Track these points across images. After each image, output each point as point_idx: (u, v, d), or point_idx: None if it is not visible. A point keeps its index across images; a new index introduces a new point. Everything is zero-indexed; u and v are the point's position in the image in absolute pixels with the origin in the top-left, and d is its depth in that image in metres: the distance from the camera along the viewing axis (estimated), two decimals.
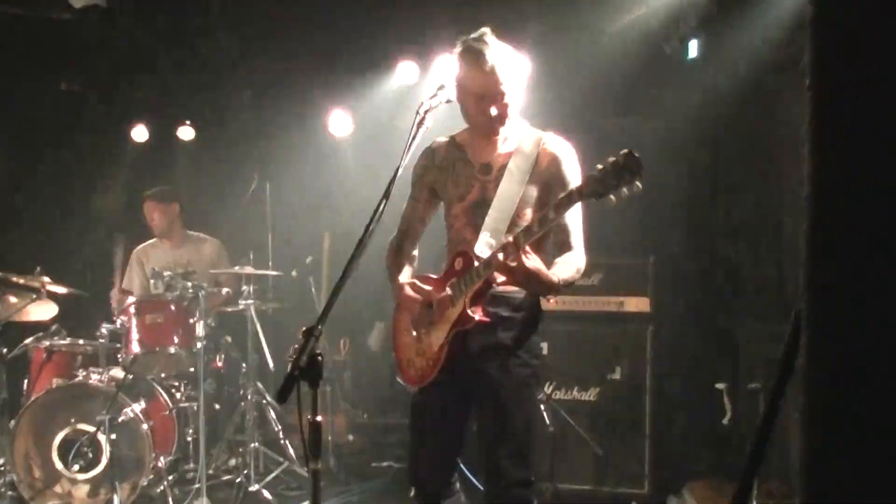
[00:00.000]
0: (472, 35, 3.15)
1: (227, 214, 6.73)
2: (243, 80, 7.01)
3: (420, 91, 6.45)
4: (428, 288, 3.23)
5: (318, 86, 6.73)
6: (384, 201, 2.66)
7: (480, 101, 3.14)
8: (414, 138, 2.89)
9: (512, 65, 3.16)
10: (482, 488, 4.59)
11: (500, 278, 3.09)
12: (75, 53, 6.73)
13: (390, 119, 6.64)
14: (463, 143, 3.33)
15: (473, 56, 3.10)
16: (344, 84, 6.67)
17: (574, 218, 3.14)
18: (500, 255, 2.93)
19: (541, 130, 3.28)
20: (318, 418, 2.28)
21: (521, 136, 3.25)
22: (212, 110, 7.15)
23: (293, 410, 6.17)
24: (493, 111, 3.15)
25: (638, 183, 2.69)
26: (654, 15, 5.36)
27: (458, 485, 3.46)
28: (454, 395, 3.25)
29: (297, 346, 2.19)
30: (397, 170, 2.77)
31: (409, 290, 3.25)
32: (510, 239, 2.94)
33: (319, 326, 2.31)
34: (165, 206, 6.15)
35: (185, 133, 7.16)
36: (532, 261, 2.91)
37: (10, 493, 5.04)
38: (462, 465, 3.66)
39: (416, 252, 3.48)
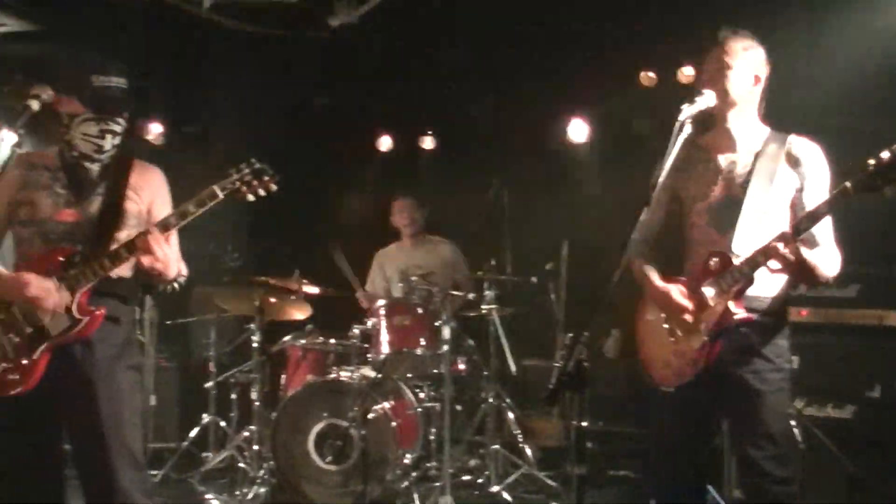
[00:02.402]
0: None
1: (466, 221, 6.91)
2: (483, 89, 7.18)
3: (659, 98, 6.39)
4: (681, 288, 3.27)
5: (558, 93, 6.79)
6: (645, 209, 2.65)
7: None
8: (674, 146, 2.85)
9: (753, 61, 3.26)
10: None
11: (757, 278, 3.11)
12: (326, 69, 7.15)
13: (629, 126, 6.61)
14: (705, 144, 3.37)
15: (715, 50, 3.25)
16: (583, 91, 6.69)
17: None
18: (780, 246, 2.95)
19: (786, 133, 3.30)
20: (584, 424, 2.32)
21: (767, 138, 3.30)
22: (453, 120, 7.36)
23: (531, 415, 6.33)
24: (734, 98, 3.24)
25: None
26: None
27: None
28: (703, 397, 3.24)
29: (562, 352, 2.23)
30: (657, 178, 2.75)
31: (669, 289, 3.27)
32: (786, 230, 2.98)
33: (585, 334, 2.34)
34: (419, 206, 6.47)
35: (427, 142, 7.41)
36: (807, 252, 2.98)
37: (271, 479, 5.39)
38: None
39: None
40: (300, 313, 6.07)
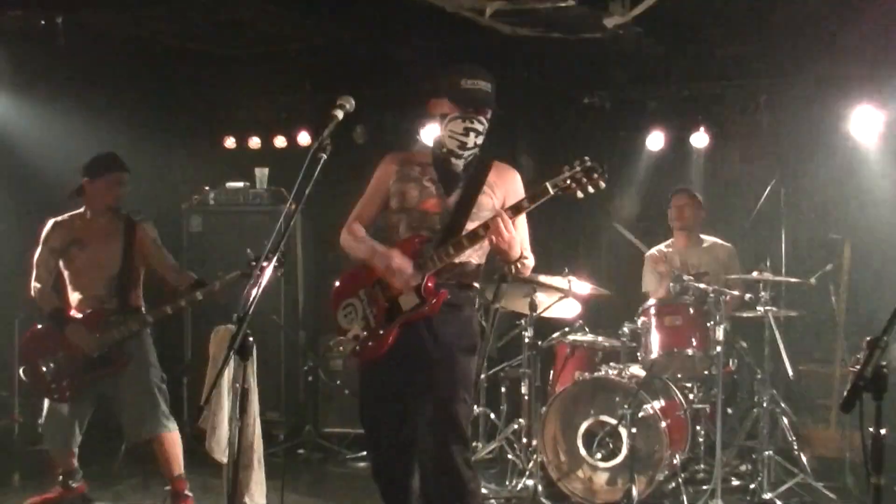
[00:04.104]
0: None
1: (740, 219, 6.72)
2: (757, 83, 6.94)
3: None
4: None
5: (841, 82, 6.45)
6: None
7: None
8: None
9: None
10: None
11: None
12: (597, 69, 7.18)
13: None
14: None
15: None
16: (870, 78, 6.32)
17: None
18: None
19: None
20: (882, 431, 2.23)
21: None
22: (726, 116, 7.16)
23: (807, 422, 6.06)
24: None
25: None
26: None
27: None
28: None
29: (859, 356, 2.16)
30: None
31: None
32: None
33: (885, 338, 2.25)
34: (698, 204, 6.40)
35: (699, 139, 7.23)
36: None
37: (540, 472, 5.51)
38: None
39: None
40: (570, 310, 6.15)
